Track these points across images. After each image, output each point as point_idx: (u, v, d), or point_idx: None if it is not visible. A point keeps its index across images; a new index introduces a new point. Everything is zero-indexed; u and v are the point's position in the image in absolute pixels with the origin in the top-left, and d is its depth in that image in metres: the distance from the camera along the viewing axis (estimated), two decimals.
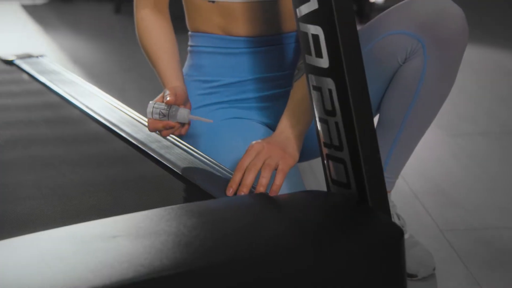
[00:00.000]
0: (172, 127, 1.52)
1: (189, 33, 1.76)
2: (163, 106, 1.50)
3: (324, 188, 1.36)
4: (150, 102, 1.51)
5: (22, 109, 2.00)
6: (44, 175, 1.55)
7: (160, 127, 1.51)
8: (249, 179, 1.37)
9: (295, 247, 1.09)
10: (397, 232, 1.15)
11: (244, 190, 1.36)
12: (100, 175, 1.56)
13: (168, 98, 1.49)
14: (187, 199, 1.43)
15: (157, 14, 1.70)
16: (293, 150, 1.44)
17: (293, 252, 1.08)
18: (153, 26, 1.69)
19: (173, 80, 1.60)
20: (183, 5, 1.74)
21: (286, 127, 1.48)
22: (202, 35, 1.72)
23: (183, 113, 1.49)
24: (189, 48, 1.77)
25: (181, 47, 1.70)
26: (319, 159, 1.63)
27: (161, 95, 1.53)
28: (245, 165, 1.39)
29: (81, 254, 1.06)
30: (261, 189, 1.36)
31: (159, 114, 1.49)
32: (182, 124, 1.53)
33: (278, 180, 1.38)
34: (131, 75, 3.86)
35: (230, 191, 1.37)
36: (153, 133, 1.78)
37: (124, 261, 1.02)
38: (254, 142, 1.43)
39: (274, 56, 1.72)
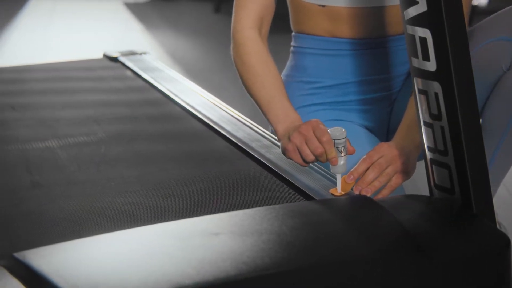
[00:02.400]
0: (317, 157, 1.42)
1: (293, 33, 1.76)
2: (343, 143, 1.39)
3: (422, 192, 1.34)
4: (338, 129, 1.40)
5: (126, 105, 2.04)
6: (147, 170, 1.58)
7: (330, 156, 1.39)
8: (370, 176, 1.38)
9: (398, 253, 1.08)
10: (504, 240, 1.12)
11: (362, 185, 1.38)
12: (201, 172, 1.58)
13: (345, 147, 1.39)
14: (287, 199, 1.43)
15: (263, 39, 1.65)
16: (412, 169, 1.43)
17: (396, 258, 1.07)
18: (260, 53, 1.61)
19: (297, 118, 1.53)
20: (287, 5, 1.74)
21: (406, 137, 1.45)
22: (307, 37, 1.72)
23: (343, 168, 1.40)
24: (292, 48, 1.77)
25: (281, 48, 1.70)
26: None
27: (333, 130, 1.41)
28: (373, 160, 1.40)
29: (184, 250, 1.07)
30: (371, 190, 1.37)
31: (339, 149, 1.38)
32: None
33: (386, 192, 1.40)
34: (229, 74, 3.90)
35: (350, 178, 1.39)
36: (253, 132, 1.79)
37: (227, 258, 1.03)
38: (384, 143, 1.43)
39: (377, 58, 1.71)
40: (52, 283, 0.97)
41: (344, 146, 1.39)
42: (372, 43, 1.69)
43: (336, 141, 1.39)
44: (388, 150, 1.41)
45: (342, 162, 1.39)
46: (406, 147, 1.43)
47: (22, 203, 1.39)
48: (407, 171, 1.41)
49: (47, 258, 1.04)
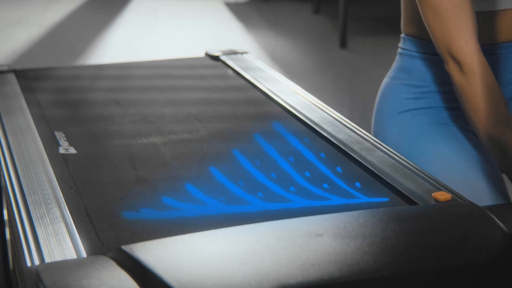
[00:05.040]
0: None
1: (402, 35, 1.73)
2: None
3: None
4: None
5: (227, 104, 2.06)
6: (245, 169, 1.59)
7: None
8: None
9: (505, 262, 1.05)
10: None
11: None
12: (302, 173, 1.57)
13: None
14: (390, 203, 1.42)
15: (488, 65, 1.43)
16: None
17: (503, 267, 1.04)
18: (492, 88, 1.40)
19: None
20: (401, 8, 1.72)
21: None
22: (417, 40, 1.69)
23: None
24: (400, 50, 1.75)
25: (389, 49, 1.68)
26: None
27: None
28: None
29: (287, 250, 1.07)
30: None
31: None
32: None
33: None
34: (328, 76, 3.88)
35: None
36: (354, 134, 1.77)
37: (330, 260, 1.02)
38: None
39: (489, 64, 1.67)
40: (158, 277, 0.98)
41: None
42: (484, 49, 1.65)
43: None
44: None
45: None
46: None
47: (127, 197, 1.42)
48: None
49: (153, 252, 1.06)
